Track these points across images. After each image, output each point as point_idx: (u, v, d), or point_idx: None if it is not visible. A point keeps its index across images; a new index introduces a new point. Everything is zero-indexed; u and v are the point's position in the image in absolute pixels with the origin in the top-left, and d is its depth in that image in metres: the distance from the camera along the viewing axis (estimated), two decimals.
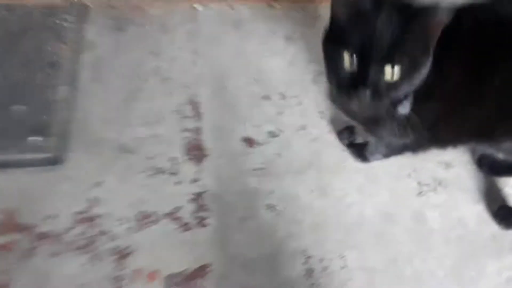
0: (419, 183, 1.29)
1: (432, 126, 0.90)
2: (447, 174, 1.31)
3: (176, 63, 1.43)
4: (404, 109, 0.83)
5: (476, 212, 1.26)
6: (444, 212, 1.25)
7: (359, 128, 1.17)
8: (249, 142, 1.31)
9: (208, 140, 1.30)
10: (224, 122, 1.34)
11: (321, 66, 1.51)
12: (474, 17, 0.77)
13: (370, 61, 0.71)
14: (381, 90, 0.73)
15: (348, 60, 0.73)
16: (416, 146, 1.02)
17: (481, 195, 1.29)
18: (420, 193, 1.28)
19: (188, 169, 1.26)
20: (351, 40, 0.71)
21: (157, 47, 1.45)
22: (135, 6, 1.52)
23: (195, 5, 1.55)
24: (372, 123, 0.94)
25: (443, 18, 0.69)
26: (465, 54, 0.79)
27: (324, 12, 1.57)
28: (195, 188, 1.24)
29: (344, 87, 0.76)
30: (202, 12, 1.54)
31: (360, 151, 1.26)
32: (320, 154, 1.32)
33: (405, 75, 0.72)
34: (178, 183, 1.24)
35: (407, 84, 0.74)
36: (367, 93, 0.72)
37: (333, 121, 1.37)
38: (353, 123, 1.09)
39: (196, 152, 1.29)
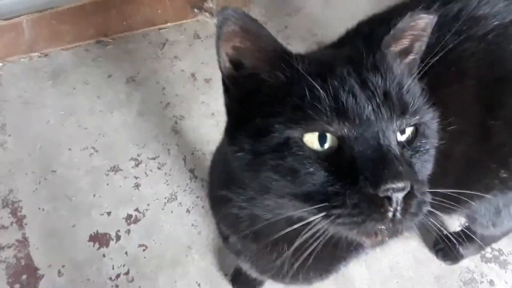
0: None
1: None
2: None
3: None
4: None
5: (409, 253, 1.05)
6: (370, 264, 1.03)
7: None
8: (100, 240, 1.01)
9: (39, 254, 0.98)
10: (58, 221, 1.03)
11: (182, 107, 1.25)
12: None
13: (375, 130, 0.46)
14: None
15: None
16: None
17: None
18: None
19: None
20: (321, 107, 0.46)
21: None
22: None
23: None
24: None
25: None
26: None
27: (172, 36, 1.30)
28: None
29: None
30: (5, 71, 1.20)
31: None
32: (200, 228, 1.05)
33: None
34: None
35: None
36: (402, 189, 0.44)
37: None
38: None
39: (25, 276, 0.96)
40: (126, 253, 1.02)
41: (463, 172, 0.72)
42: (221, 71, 0.50)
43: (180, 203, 1.08)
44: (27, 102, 1.17)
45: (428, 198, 0.47)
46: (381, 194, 0.42)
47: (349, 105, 0.45)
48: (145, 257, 1.02)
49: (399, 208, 0.43)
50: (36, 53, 1.23)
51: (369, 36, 0.68)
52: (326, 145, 0.46)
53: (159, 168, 1.12)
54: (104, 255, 1.01)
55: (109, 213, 1.05)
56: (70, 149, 1.12)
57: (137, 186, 1.10)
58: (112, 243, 1.02)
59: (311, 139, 0.46)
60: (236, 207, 0.55)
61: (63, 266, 0.99)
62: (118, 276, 0.99)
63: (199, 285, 1.00)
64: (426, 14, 0.51)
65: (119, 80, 1.23)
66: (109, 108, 1.19)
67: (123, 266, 1.00)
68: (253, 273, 0.73)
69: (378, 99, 0.46)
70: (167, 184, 1.10)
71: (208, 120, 1.20)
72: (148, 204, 1.08)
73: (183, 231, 1.06)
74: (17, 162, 1.09)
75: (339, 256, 0.67)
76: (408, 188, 0.43)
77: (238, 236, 0.64)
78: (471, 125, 0.68)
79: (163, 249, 1.03)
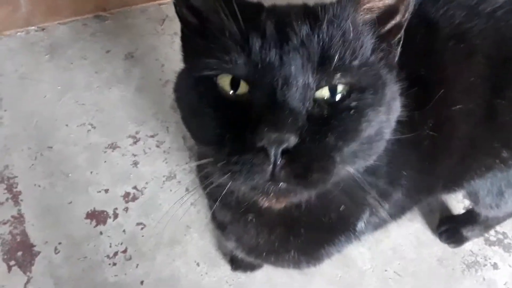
0: None
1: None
2: None
3: None
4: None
5: (411, 235, 1.05)
6: (372, 245, 1.03)
7: None
8: (97, 217, 1.01)
9: (35, 231, 0.99)
10: (55, 197, 1.02)
11: None
12: None
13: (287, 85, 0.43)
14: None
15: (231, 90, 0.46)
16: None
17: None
18: None
19: (13, 282, 0.94)
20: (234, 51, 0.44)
21: None
22: None
23: None
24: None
25: None
26: None
27: (172, 12, 1.29)
28: None
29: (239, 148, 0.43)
30: (1, 45, 1.19)
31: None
32: (199, 207, 1.05)
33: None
34: None
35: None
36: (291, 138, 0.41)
37: None
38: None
39: (20, 253, 0.96)
40: (123, 231, 1.02)
41: (466, 151, 0.72)
42: (179, 19, 0.51)
43: (179, 182, 1.09)
44: (23, 77, 1.17)
45: (331, 167, 0.43)
46: (256, 144, 0.40)
47: (255, 48, 0.43)
48: (143, 236, 1.02)
49: (278, 163, 0.40)
50: (33, 27, 1.22)
51: None
52: (238, 91, 0.45)
53: (157, 146, 1.12)
54: (101, 233, 1.01)
55: (106, 191, 1.06)
56: (67, 125, 1.12)
57: (135, 164, 1.10)
58: (109, 220, 1.03)
59: (224, 82, 0.45)
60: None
61: (59, 243, 1.00)
62: (115, 254, 1.00)
63: (198, 264, 1.00)
64: None
65: (117, 56, 1.23)
66: (107, 84, 1.19)
67: (121, 244, 1.01)
68: (240, 253, 0.71)
69: (290, 44, 0.43)
70: (166, 162, 1.10)
71: None
72: (146, 182, 1.08)
73: (182, 210, 1.06)
74: (12, 137, 1.09)
75: (324, 239, 0.65)
76: (288, 143, 0.40)
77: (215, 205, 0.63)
78: (477, 103, 0.67)
79: (161, 228, 1.03)
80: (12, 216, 1.01)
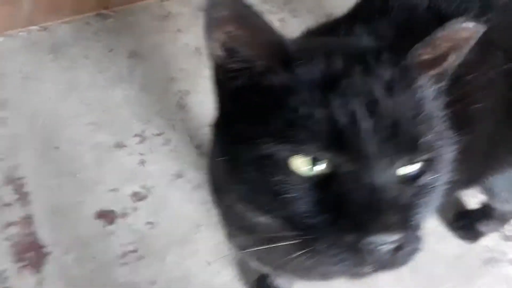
0: None
1: None
2: None
3: None
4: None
5: (426, 231, 1.07)
6: None
7: None
8: (106, 217, 1.04)
9: (45, 232, 1.01)
10: (63, 197, 1.05)
11: (187, 82, 1.27)
12: None
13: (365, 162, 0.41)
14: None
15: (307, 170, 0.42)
16: None
17: None
18: None
19: (24, 283, 0.97)
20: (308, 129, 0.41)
21: None
22: None
23: None
24: None
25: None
26: None
27: (175, 9, 1.31)
28: None
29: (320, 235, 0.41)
30: (4, 45, 1.22)
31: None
32: (209, 205, 1.06)
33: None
34: None
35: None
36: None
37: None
38: None
39: (30, 253, 0.99)
40: (133, 230, 1.04)
41: (488, 150, 0.71)
42: (211, 60, 0.46)
43: (188, 180, 1.11)
44: (27, 77, 1.19)
45: (421, 241, 0.43)
46: (363, 247, 0.39)
47: (348, 133, 0.40)
48: (153, 235, 1.04)
49: (383, 257, 0.40)
50: (35, 27, 1.24)
51: (383, 11, 0.64)
52: (317, 170, 0.42)
53: (164, 144, 1.14)
54: (111, 233, 1.04)
55: (114, 190, 1.08)
56: (72, 125, 1.14)
57: (142, 162, 1.12)
58: (118, 220, 1.05)
59: (299, 161, 0.41)
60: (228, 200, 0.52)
61: (69, 244, 1.02)
62: (126, 254, 1.02)
63: (209, 263, 1.02)
64: (474, 24, 0.44)
65: (120, 54, 1.25)
66: (111, 83, 1.21)
67: (131, 244, 1.03)
68: (253, 264, 0.70)
69: (385, 131, 0.40)
70: (174, 161, 1.12)
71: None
72: (154, 181, 1.10)
73: (192, 208, 1.08)
74: (19, 138, 1.11)
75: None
76: (398, 242, 0.40)
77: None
78: (497, 100, 0.66)
79: (171, 227, 1.06)
80: (21, 217, 1.03)
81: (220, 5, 0.40)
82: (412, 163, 0.43)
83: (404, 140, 0.41)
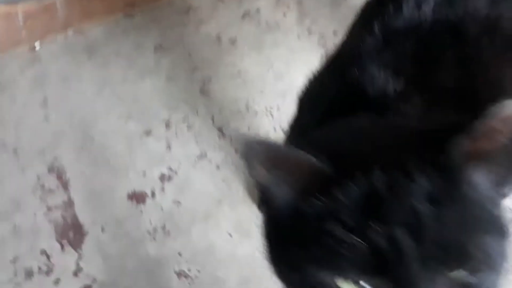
0: None
1: None
2: None
3: (24, 126, 1.27)
4: None
5: None
6: None
7: None
8: (137, 197, 1.16)
9: (83, 213, 1.14)
10: (99, 182, 1.18)
11: (209, 69, 1.38)
12: None
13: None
14: None
15: None
16: None
17: None
18: None
19: (66, 259, 1.11)
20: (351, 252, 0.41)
21: None
22: None
23: (36, 44, 1.40)
24: None
25: None
26: None
27: (196, 2, 1.42)
28: (79, 283, 1.08)
29: None
30: (43, 50, 1.38)
31: None
32: (229, 183, 1.17)
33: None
34: (56, 282, 1.09)
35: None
36: None
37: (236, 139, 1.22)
38: None
39: (71, 233, 1.13)
40: (161, 208, 1.16)
41: None
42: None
43: (210, 160, 1.21)
44: (65, 77, 1.34)
45: None
46: None
47: (390, 258, 0.39)
48: (179, 212, 1.15)
49: None
50: (71, 31, 1.40)
51: (387, 41, 0.60)
52: None
53: (188, 129, 1.25)
54: (141, 212, 1.15)
55: (144, 173, 1.20)
56: (106, 117, 1.28)
57: (168, 147, 1.23)
58: (148, 200, 1.17)
59: (345, 285, 0.42)
60: None
61: (105, 223, 1.15)
62: (155, 230, 1.13)
63: (230, 235, 1.11)
64: None
65: (147, 48, 1.37)
66: (140, 76, 1.33)
67: (159, 221, 1.14)
68: None
69: (429, 251, 0.39)
70: (197, 143, 1.23)
71: (234, 79, 1.31)
72: (180, 163, 1.21)
73: (214, 186, 1.18)
74: (59, 132, 1.26)
75: None
76: None
77: None
78: None
79: (195, 204, 1.16)
80: (63, 201, 1.17)
81: (255, 156, 0.41)
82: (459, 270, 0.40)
83: (451, 253, 0.39)
